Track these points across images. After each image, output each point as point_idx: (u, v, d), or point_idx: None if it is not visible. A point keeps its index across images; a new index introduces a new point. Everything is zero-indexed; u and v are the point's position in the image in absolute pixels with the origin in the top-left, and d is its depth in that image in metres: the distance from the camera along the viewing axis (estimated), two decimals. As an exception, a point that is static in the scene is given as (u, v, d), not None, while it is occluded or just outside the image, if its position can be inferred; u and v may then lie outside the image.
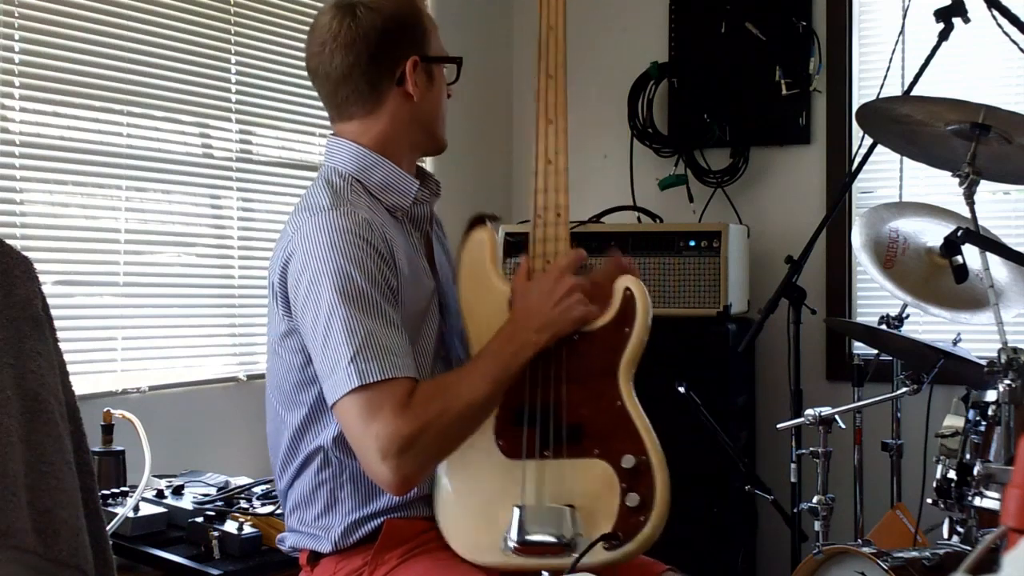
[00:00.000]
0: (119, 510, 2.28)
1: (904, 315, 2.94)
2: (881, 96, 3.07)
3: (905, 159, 3.37)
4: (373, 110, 1.87)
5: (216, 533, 2.24)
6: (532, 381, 1.76)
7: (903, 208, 2.98)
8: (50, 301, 1.41)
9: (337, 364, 1.67)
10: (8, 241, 1.39)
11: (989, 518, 2.29)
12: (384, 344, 1.68)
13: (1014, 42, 2.79)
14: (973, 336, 2.91)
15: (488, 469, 1.77)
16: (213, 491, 2.53)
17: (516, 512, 1.72)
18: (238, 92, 3.13)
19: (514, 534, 1.71)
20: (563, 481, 1.74)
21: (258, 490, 2.52)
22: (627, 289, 1.82)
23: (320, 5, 3.32)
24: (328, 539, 1.81)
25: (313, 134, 3.32)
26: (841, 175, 3.65)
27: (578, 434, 1.76)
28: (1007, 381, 2.22)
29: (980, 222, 2.39)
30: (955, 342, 2.83)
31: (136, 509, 2.31)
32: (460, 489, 1.78)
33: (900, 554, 2.32)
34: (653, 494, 1.74)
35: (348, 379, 1.66)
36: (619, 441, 1.76)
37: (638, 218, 3.73)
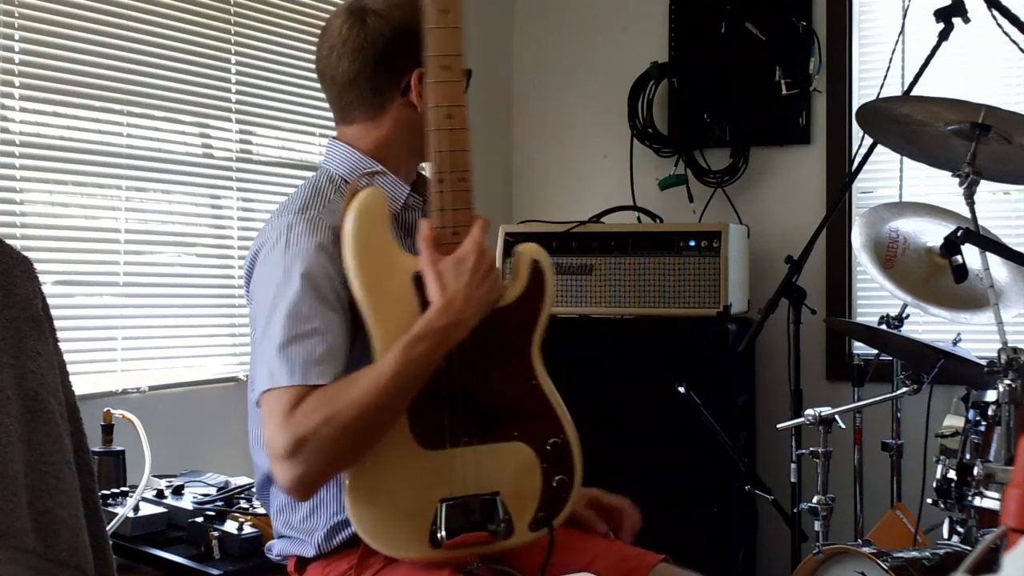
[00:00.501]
0: (119, 510, 2.28)
1: (904, 315, 2.94)
2: (881, 96, 3.07)
3: (905, 159, 3.37)
4: (376, 116, 1.86)
5: (216, 533, 2.24)
6: (447, 363, 1.66)
7: (903, 208, 2.98)
8: (50, 301, 1.41)
9: (259, 364, 1.69)
10: (8, 241, 1.39)
11: (989, 518, 2.29)
12: (299, 351, 1.66)
13: (1014, 42, 2.79)
14: (973, 336, 2.91)
15: (405, 462, 1.68)
16: (213, 491, 2.53)
17: (443, 507, 1.67)
18: (238, 92, 3.13)
19: (443, 528, 1.67)
20: (485, 467, 1.70)
21: (258, 490, 2.52)
22: (535, 261, 1.75)
23: (320, 5, 3.32)
24: (312, 543, 1.80)
25: (313, 134, 3.32)
26: (841, 175, 3.65)
27: (497, 417, 1.71)
28: (1007, 381, 2.22)
29: (980, 222, 2.40)
30: (955, 342, 2.83)
31: (136, 509, 2.31)
32: (376, 485, 1.68)
33: (900, 554, 2.32)
34: (573, 472, 1.75)
35: (261, 381, 1.67)
36: (538, 422, 1.73)
37: (638, 218, 3.73)
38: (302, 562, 1.84)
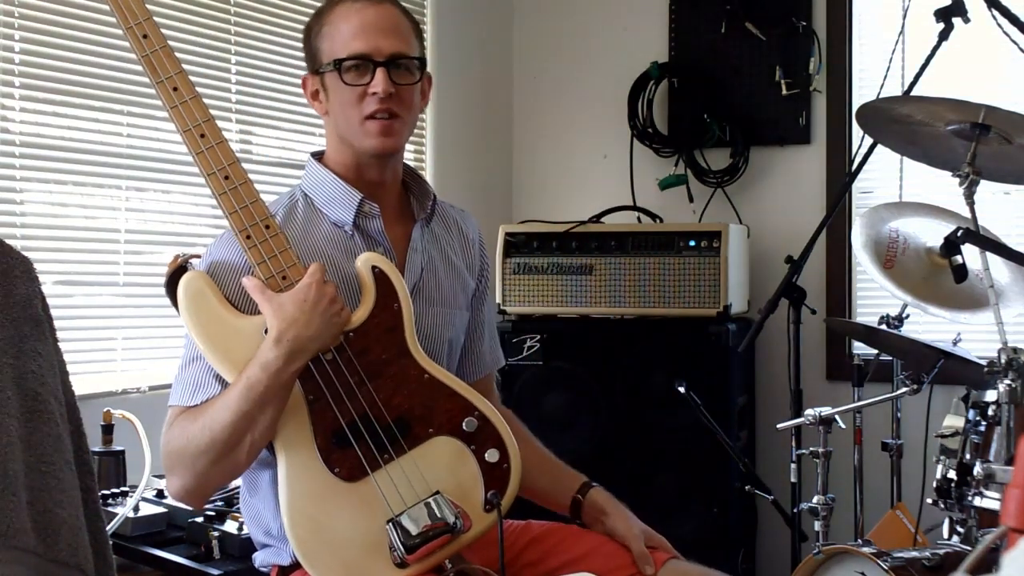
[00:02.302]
0: (119, 510, 2.28)
1: (904, 315, 2.94)
2: (881, 96, 3.07)
3: (905, 159, 3.37)
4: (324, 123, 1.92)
5: (216, 533, 2.24)
6: (335, 399, 1.69)
7: (903, 208, 2.98)
8: (50, 301, 1.41)
9: None
10: (8, 241, 1.39)
11: (989, 518, 2.29)
12: (190, 374, 1.76)
13: (1014, 42, 2.79)
14: (973, 336, 2.91)
15: (340, 502, 1.69)
16: (213, 491, 2.53)
17: (390, 528, 1.67)
18: (238, 92, 3.13)
19: (400, 547, 1.67)
20: (417, 473, 1.70)
21: (258, 490, 2.52)
22: (375, 267, 1.74)
23: (320, 6, 3.32)
24: (288, 552, 1.80)
25: (313, 134, 3.32)
26: (841, 175, 3.65)
27: (406, 424, 1.71)
28: (1007, 381, 2.22)
29: (980, 222, 2.39)
30: (955, 342, 2.83)
31: (136, 509, 2.31)
32: (322, 535, 1.69)
33: (900, 554, 2.32)
34: (502, 439, 1.74)
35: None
36: (446, 410, 1.73)
37: (638, 218, 3.73)
38: (283, 571, 1.84)
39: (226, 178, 1.69)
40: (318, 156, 1.92)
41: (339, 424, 1.69)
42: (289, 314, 1.65)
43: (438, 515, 1.68)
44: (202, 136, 1.70)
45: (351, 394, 1.69)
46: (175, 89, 1.70)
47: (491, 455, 1.73)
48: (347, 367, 1.70)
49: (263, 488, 1.83)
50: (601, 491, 1.98)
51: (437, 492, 1.70)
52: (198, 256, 1.77)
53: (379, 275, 1.74)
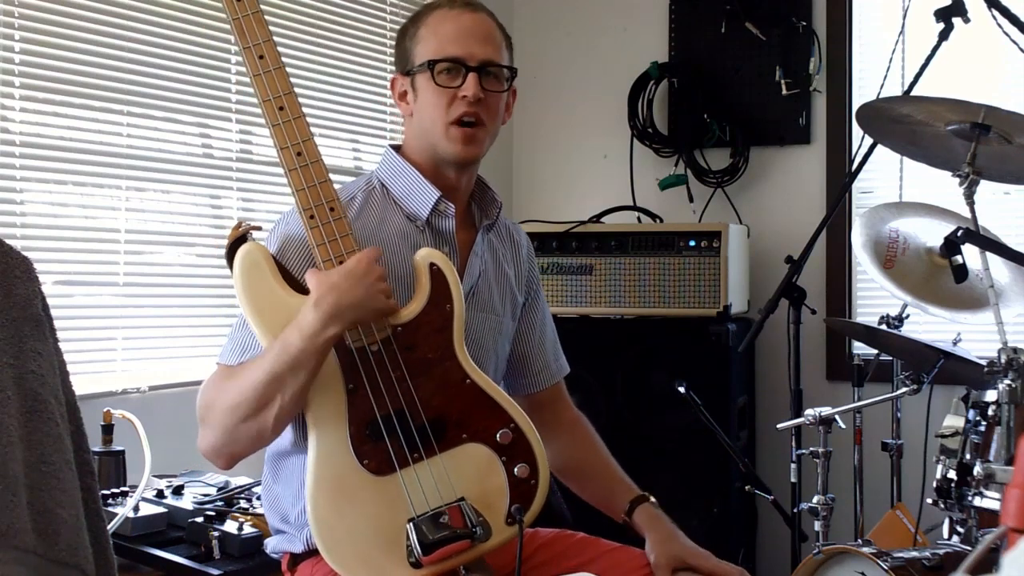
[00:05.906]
0: (119, 510, 2.29)
1: (904, 315, 2.94)
2: (881, 96, 3.07)
3: (905, 159, 3.37)
4: (406, 124, 1.94)
5: (216, 533, 2.24)
6: (374, 391, 1.68)
7: (903, 208, 2.98)
8: (50, 301, 1.41)
9: None
10: (8, 241, 1.39)
11: (989, 518, 2.29)
12: (240, 335, 1.78)
13: (1014, 42, 2.79)
14: (973, 336, 2.92)
15: (365, 495, 1.69)
16: (213, 491, 2.53)
17: (411, 527, 1.67)
18: (238, 92, 3.13)
19: (417, 547, 1.66)
20: (445, 476, 1.69)
21: (258, 490, 2.52)
22: (432, 265, 1.74)
23: (319, 5, 3.32)
24: (302, 539, 1.81)
25: (313, 134, 3.31)
26: (841, 175, 3.65)
27: (441, 426, 1.70)
28: (1007, 381, 2.22)
29: (980, 222, 2.39)
30: (955, 342, 2.83)
31: (136, 509, 2.32)
32: (344, 524, 1.69)
33: (900, 554, 2.32)
34: (534, 456, 1.74)
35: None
36: (483, 418, 1.72)
37: (638, 218, 3.73)
38: (294, 559, 1.85)
39: (298, 154, 1.70)
40: (396, 148, 1.94)
41: (374, 416, 1.68)
42: (332, 281, 1.65)
43: (464, 519, 1.67)
44: (281, 109, 1.70)
45: (390, 388, 1.69)
46: (260, 57, 1.71)
47: (521, 469, 1.73)
48: (391, 361, 1.69)
49: (286, 475, 1.84)
50: (645, 511, 1.95)
51: (462, 498, 1.69)
52: (259, 228, 1.77)
53: (436, 273, 1.74)
